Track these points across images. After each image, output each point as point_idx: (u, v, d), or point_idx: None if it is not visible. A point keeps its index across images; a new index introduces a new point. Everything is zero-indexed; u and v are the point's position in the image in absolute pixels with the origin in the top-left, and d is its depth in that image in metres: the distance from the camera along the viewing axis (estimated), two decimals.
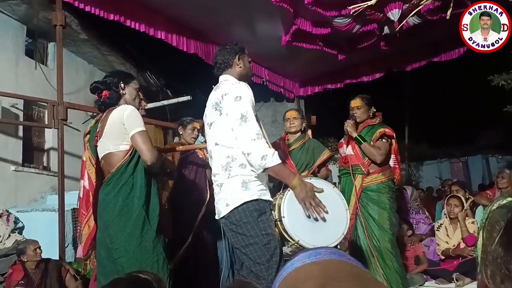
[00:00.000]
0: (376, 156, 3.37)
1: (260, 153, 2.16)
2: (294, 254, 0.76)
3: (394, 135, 3.55)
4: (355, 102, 3.57)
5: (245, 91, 2.28)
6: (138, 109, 2.47)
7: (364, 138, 3.44)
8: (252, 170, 2.24)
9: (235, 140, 2.24)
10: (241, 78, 2.44)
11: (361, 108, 3.54)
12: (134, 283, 1.01)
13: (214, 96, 2.37)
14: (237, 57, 2.46)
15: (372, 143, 3.44)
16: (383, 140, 3.44)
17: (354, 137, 3.45)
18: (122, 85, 2.44)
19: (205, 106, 2.51)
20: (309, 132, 8.97)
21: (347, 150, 3.58)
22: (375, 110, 3.60)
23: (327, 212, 2.24)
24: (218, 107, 2.31)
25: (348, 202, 3.41)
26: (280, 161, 2.22)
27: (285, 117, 3.83)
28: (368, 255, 3.37)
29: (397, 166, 3.83)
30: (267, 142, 2.31)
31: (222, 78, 2.47)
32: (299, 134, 3.75)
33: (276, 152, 2.23)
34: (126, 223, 2.23)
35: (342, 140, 3.75)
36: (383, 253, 3.33)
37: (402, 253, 3.94)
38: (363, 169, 3.44)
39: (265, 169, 2.19)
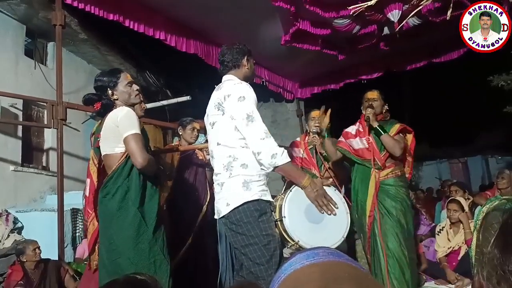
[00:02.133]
0: (397, 149, 3.21)
1: (270, 152, 2.17)
2: (292, 255, 0.75)
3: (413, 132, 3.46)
4: (373, 94, 3.46)
5: (248, 91, 2.29)
6: (137, 103, 2.45)
7: (385, 129, 3.28)
8: (262, 168, 2.23)
9: (237, 140, 2.25)
10: (245, 79, 2.44)
11: (378, 100, 3.43)
12: (131, 283, 1.00)
13: (216, 96, 2.37)
14: (245, 58, 2.46)
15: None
16: (401, 134, 3.36)
17: (374, 127, 3.28)
18: (110, 91, 2.39)
19: (205, 106, 2.51)
20: None
21: (361, 143, 3.40)
22: (387, 108, 3.53)
23: (337, 208, 2.27)
24: (220, 107, 2.31)
25: (365, 197, 3.30)
26: (289, 160, 2.24)
27: (310, 116, 3.86)
28: (381, 255, 3.19)
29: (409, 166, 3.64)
30: None
31: (225, 77, 2.47)
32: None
33: (286, 151, 2.23)
34: (122, 224, 2.24)
35: (349, 130, 3.54)
36: (396, 255, 3.15)
37: None
38: (379, 163, 3.29)
39: (275, 168, 2.20)
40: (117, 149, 2.31)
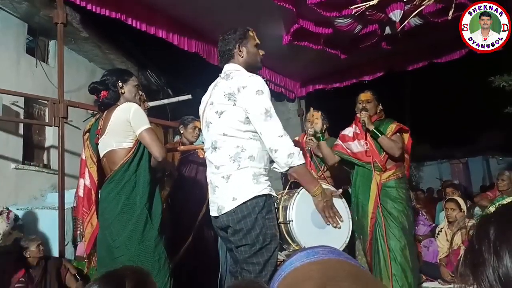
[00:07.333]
0: (395, 150, 3.21)
1: (287, 151, 2.08)
2: (292, 254, 0.76)
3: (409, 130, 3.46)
4: (366, 95, 3.46)
5: (265, 85, 2.21)
6: (140, 106, 2.48)
7: (381, 131, 3.28)
8: (275, 167, 2.17)
9: (245, 131, 2.15)
10: (247, 66, 2.35)
11: (371, 102, 3.44)
12: (110, 277, 1.01)
13: (226, 85, 2.23)
14: (237, 46, 2.36)
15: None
16: (398, 134, 3.35)
17: (370, 130, 3.27)
18: (121, 84, 2.44)
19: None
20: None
21: (360, 145, 3.39)
22: (381, 108, 3.52)
23: (342, 221, 2.25)
24: (232, 97, 2.18)
25: (367, 199, 3.30)
26: (304, 162, 2.17)
27: (307, 117, 3.82)
28: (384, 257, 3.20)
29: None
30: None
31: (231, 66, 2.35)
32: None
33: (301, 152, 2.16)
34: (128, 221, 2.22)
35: (346, 133, 3.55)
36: (399, 258, 3.15)
37: None
38: (380, 165, 3.29)
39: (289, 168, 2.11)
40: (125, 144, 2.31)
